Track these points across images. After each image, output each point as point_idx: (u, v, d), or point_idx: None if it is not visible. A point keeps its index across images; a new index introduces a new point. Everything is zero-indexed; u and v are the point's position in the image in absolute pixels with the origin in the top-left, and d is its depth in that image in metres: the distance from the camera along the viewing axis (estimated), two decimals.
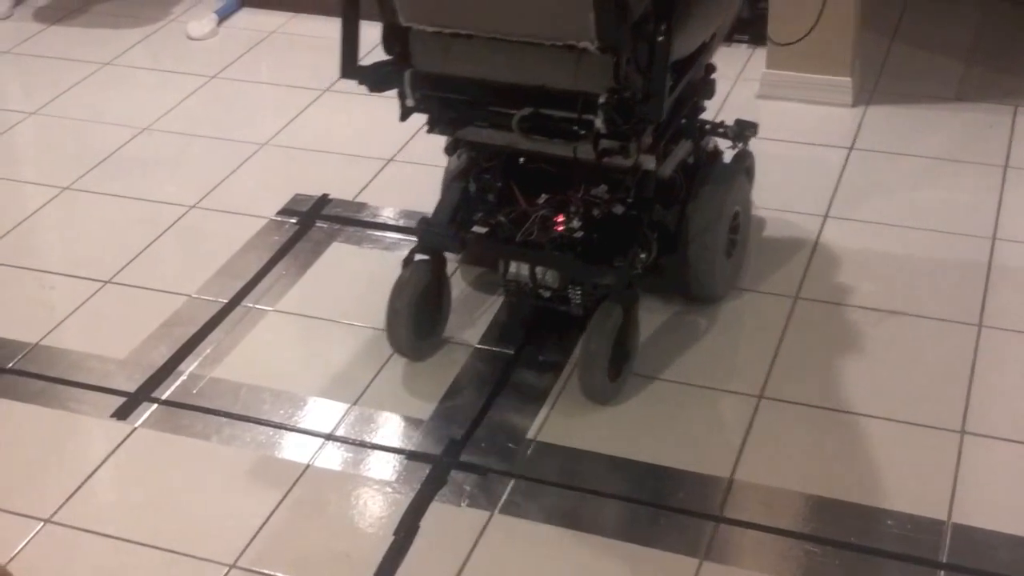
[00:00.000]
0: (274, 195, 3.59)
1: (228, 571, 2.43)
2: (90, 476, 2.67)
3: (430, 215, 2.93)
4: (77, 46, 4.56)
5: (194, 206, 3.57)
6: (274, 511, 2.56)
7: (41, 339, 3.07)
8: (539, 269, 2.81)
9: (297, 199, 3.57)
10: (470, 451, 2.69)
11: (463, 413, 2.79)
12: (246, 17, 4.73)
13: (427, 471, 2.64)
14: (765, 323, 3.01)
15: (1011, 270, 3.16)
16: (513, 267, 2.84)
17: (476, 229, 2.85)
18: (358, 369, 2.92)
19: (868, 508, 2.51)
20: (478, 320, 3.04)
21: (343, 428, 2.76)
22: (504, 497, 2.57)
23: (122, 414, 2.83)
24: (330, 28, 4.50)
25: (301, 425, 2.78)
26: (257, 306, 3.15)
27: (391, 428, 2.76)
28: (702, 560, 2.41)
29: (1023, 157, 3.60)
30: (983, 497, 2.53)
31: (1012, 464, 2.62)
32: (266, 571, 2.43)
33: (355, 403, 2.83)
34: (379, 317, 2.95)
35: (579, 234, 2.77)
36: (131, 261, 3.34)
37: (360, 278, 3.23)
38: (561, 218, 2.79)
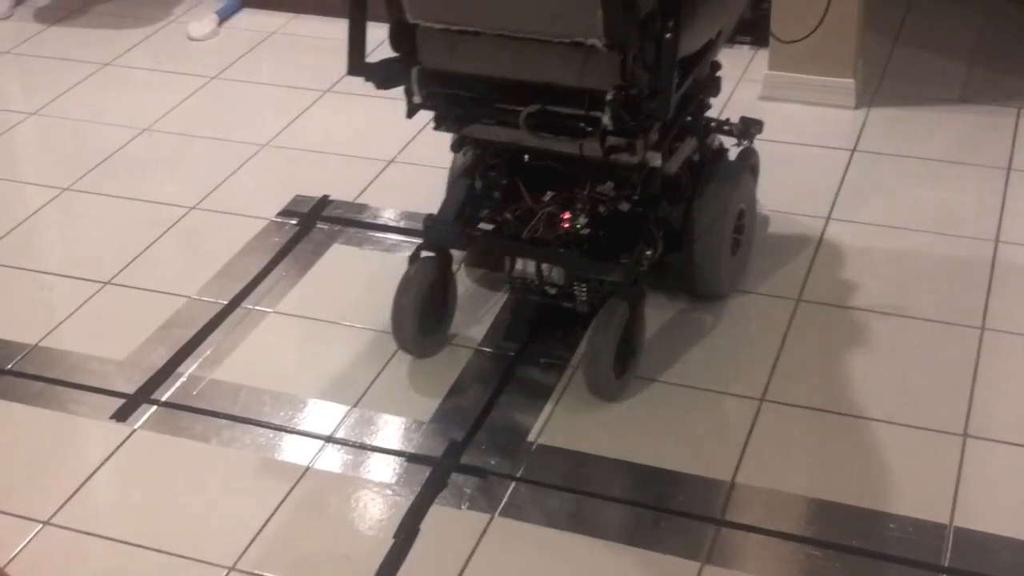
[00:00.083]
0: (274, 196, 3.58)
1: (227, 573, 2.42)
2: (89, 478, 2.66)
3: (436, 213, 2.92)
4: (77, 46, 4.55)
5: (194, 207, 3.56)
6: (274, 513, 2.55)
7: (40, 340, 3.07)
8: (545, 266, 2.81)
9: (298, 200, 3.56)
10: (471, 453, 2.68)
11: (464, 415, 2.78)
12: (247, 18, 4.72)
13: (427, 473, 2.63)
14: (767, 325, 3.00)
15: (1014, 272, 3.15)
16: (519, 264, 2.84)
17: (482, 226, 2.85)
18: (358, 371, 2.91)
19: (870, 511, 2.50)
20: (480, 320, 3.03)
21: (343, 430, 2.76)
22: (505, 500, 2.56)
23: (121, 416, 2.82)
24: (331, 28, 4.54)
25: (301, 427, 2.77)
26: (257, 308, 3.14)
27: (391, 430, 2.75)
28: (704, 563, 2.40)
29: None
30: (985, 500, 2.52)
31: (1015, 467, 2.61)
32: (266, 573, 2.42)
33: (355, 405, 2.82)
34: (380, 318, 2.95)
35: (585, 231, 2.77)
36: (131, 262, 3.33)
37: (361, 280, 3.22)
38: (567, 215, 2.79)
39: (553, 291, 2.85)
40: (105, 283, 3.26)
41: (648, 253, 2.79)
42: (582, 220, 2.78)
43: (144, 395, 2.88)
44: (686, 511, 2.52)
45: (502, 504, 2.55)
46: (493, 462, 2.65)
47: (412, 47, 2.73)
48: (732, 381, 2.85)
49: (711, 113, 3.04)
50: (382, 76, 2.77)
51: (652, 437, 2.70)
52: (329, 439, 2.74)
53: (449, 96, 2.75)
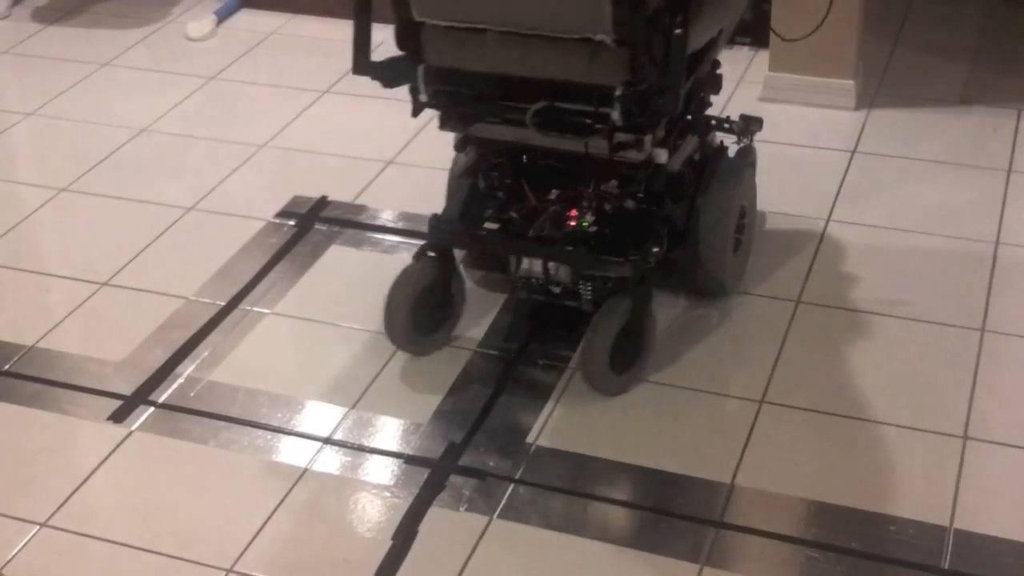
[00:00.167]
0: (273, 197, 3.58)
1: (225, 575, 2.42)
2: (86, 480, 2.65)
3: (440, 213, 2.92)
4: (75, 46, 4.54)
5: (192, 208, 3.55)
6: (272, 515, 2.54)
7: (37, 341, 3.06)
8: (551, 264, 2.80)
9: (296, 201, 3.56)
10: (469, 455, 2.67)
11: (462, 416, 2.77)
12: (245, 18, 4.71)
13: (426, 475, 2.62)
14: (767, 326, 3.00)
15: (1014, 274, 3.14)
16: (525, 263, 2.84)
17: (488, 226, 2.84)
18: (356, 372, 2.91)
19: (870, 513, 2.49)
20: (479, 321, 3.03)
21: (341, 432, 2.75)
22: (503, 502, 2.55)
23: (119, 417, 2.81)
24: (330, 29, 4.54)
25: (299, 429, 2.76)
26: (255, 309, 3.14)
27: (389, 432, 2.75)
28: (703, 566, 2.40)
29: None
30: (985, 503, 2.51)
31: (1015, 469, 2.60)
32: None
33: (353, 406, 2.81)
34: (378, 320, 2.94)
35: (592, 229, 2.77)
36: (128, 263, 3.32)
37: (359, 281, 3.22)
38: (574, 213, 2.78)
39: (558, 290, 2.85)
40: (102, 284, 3.25)
41: (655, 250, 2.79)
42: (589, 218, 2.77)
43: (141, 396, 2.87)
44: (685, 513, 2.52)
45: (501, 506, 2.54)
46: (492, 464, 2.65)
47: (418, 45, 2.72)
48: (732, 383, 2.84)
49: (710, 111, 3.04)
50: (388, 75, 2.76)
51: (651, 439, 2.70)
52: (327, 441, 2.73)
53: (455, 94, 2.75)
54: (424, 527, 2.51)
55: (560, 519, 2.52)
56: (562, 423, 2.75)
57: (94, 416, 2.82)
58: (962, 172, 3.57)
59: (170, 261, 3.35)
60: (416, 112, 2.79)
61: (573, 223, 2.78)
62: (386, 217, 3.47)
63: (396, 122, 3.78)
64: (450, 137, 2.90)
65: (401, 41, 2.73)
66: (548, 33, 2.58)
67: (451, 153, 3.06)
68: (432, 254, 2.89)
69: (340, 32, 4.44)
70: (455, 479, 2.61)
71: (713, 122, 3.05)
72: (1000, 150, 3.65)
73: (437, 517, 2.53)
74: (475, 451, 2.68)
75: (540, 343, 2.97)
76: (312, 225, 3.45)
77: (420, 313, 2.89)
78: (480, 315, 3.04)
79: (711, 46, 2.82)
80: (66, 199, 3.64)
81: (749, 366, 2.89)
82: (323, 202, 3.55)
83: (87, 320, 3.14)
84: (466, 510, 2.54)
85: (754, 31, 4.05)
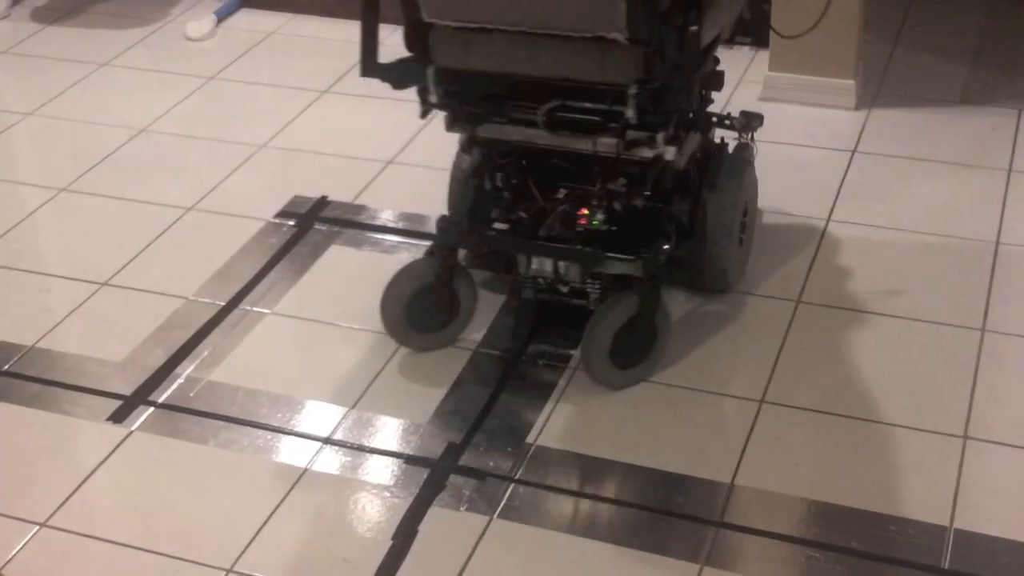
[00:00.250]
0: (272, 197, 3.57)
1: (225, 575, 2.42)
2: (86, 480, 2.65)
3: (447, 214, 2.91)
4: (75, 46, 4.54)
5: (192, 208, 3.55)
6: (271, 515, 2.54)
7: (37, 341, 3.06)
8: (561, 264, 2.81)
9: (296, 201, 3.56)
10: (469, 455, 2.67)
11: (463, 416, 2.77)
12: (245, 18, 4.71)
13: (426, 475, 2.62)
14: (767, 327, 3.00)
15: (1015, 274, 3.14)
16: (535, 263, 2.83)
17: (497, 226, 2.84)
18: (356, 372, 2.90)
19: (870, 513, 2.49)
20: (479, 322, 3.02)
21: (341, 432, 2.75)
22: (503, 502, 2.55)
23: (118, 417, 2.81)
24: (330, 29, 4.54)
25: (299, 429, 2.76)
26: (255, 309, 3.14)
27: (389, 432, 2.74)
28: (703, 565, 2.40)
29: None
30: (986, 503, 2.51)
31: (1015, 469, 2.60)
32: None
33: (353, 406, 2.81)
34: (377, 320, 2.94)
35: (603, 227, 2.77)
36: (128, 263, 3.32)
37: (359, 281, 3.21)
38: (584, 212, 2.79)
39: (565, 289, 2.86)
40: (102, 284, 3.25)
41: (665, 247, 2.80)
42: (600, 217, 2.77)
43: (141, 397, 2.87)
44: (685, 513, 2.52)
45: (501, 506, 2.54)
46: (492, 464, 2.65)
47: (426, 46, 2.71)
48: (732, 382, 2.84)
49: (710, 108, 3.04)
50: (397, 77, 2.75)
51: (651, 438, 2.70)
52: (327, 441, 2.73)
53: (464, 95, 2.74)
54: (424, 527, 2.50)
55: (560, 519, 2.52)
56: (562, 423, 2.75)
57: (94, 416, 2.82)
58: (962, 172, 3.57)
59: (170, 261, 3.35)
60: (425, 113, 2.78)
61: (584, 222, 2.78)
62: (386, 217, 3.47)
63: (396, 122, 3.79)
64: (449, 137, 2.90)
65: (410, 42, 2.72)
66: (559, 32, 2.58)
67: (451, 153, 3.06)
68: (434, 254, 2.89)
69: (340, 32, 4.48)
70: (455, 479, 2.61)
71: (714, 119, 3.05)
72: (1000, 150, 3.65)
73: (437, 517, 2.53)
74: (475, 451, 2.68)
75: (540, 343, 2.97)
76: (312, 225, 3.45)
77: (416, 310, 2.89)
78: (480, 315, 3.04)
79: (715, 43, 2.83)
80: (66, 199, 3.64)
81: (749, 366, 2.89)
82: (323, 202, 3.54)
83: (87, 320, 3.14)
84: (466, 510, 2.54)
85: (754, 31, 4.05)
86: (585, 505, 2.55)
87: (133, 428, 2.78)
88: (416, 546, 2.46)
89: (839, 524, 2.47)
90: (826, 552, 2.41)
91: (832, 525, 2.47)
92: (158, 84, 4.28)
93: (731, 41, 4.00)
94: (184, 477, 2.66)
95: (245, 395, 2.86)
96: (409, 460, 2.67)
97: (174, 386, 2.90)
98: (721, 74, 2.97)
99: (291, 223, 3.46)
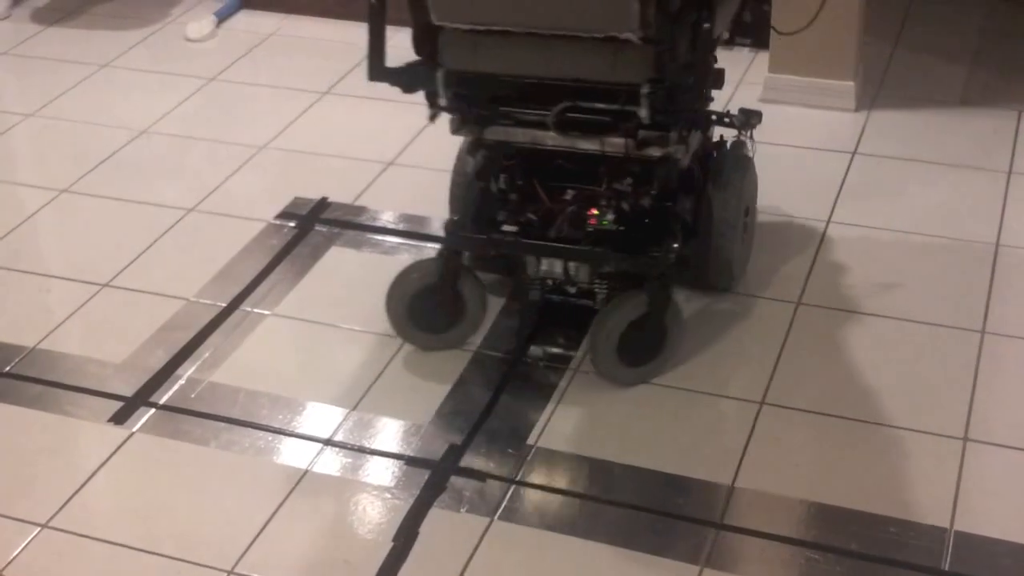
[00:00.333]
0: (273, 198, 3.57)
1: None
2: (87, 481, 2.65)
3: (455, 217, 2.91)
4: (75, 47, 4.54)
5: (192, 209, 3.55)
6: (272, 516, 2.54)
7: (38, 343, 3.06)
8: (571, 264, 2.81)
9: (296, 202, 3.56)
10: (470, 456, 2.67)
11: (463, 418, 2.77)
12: (245, 19, 4.71)
13: (426, 477, 2.62)
14: (767, 328, 3.00)
15: (1015, 276, 3.14)
16: (545, 264, 2.84)
17: (506, 228, 2.84)
18: (357, 373, 2.91)
19: (870, 515, 2.49)
20: (480, 324, 3.02)
21: (342, 433, 2.75)
22: (504, 503, 2.55)
23: (119, 419, 2.81)
24: (330, 30, 4.54)
25: (299, 430, 2.76)
26: (255, 310, 3.14)
27: (390, 433, 2.75)
28: (703, 567, 2.40)
29: None
30: (986, 505, 2.51)
31: (1015, 471, 2.60)
32: None
33: (354, 408, 2.81)
34: (379, 321, 2.94)
35: (612, 227, 2.77)
36: (129, 264, 3.32)
37: (359, 282, 3.22)
38: (593, 212, 2.79)
39: (573, 290, 2.86)
40: (103, 285, 3.25)
41: (675, 245, 2.80)
42: (610, 217, 2.78)
43: (142, 398, 2.87)
44: (685, 514, 2.52)
45: (501, 507, 2.54)
46: (492, 465, 2.65)
47: (434, 49, 2.70)
48: (732, 384, 2.84)
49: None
50: (407, 81, 2.74)
51: (652, 440, 2.70)
52: (328, 442, 2.73)
53: (473, 98, 2.74)
54: (425, 528, 2.51)
55: (561, 520, 2.52)
56: (563, 424, 2.75)
57: (95, 417, 2.82)
58: (962, 173, 3.57)
59: (171, 262, 3.35)
60: (434, 117, 2.78)
61: (594, 222, 2.78)
62: (386, 218, 3.47)
63: (396, 123, 3.79)
64: (450, 138, 2.89)
65: (418, 45, 2.71)
66: (571, 33, 2.58)
67: (451, 154, 3.06)
68: (432, 256, 2.89)
69: (340, 33, 4.48)
70: (456, 480, 2.61)
71: (714, 116, 3.05)
72: (1000, 151, 3.65)
73: (438, 518, 2.53)
74: (476, 452, 2.68)
75: (541, 345, 2.97)
76: (312, 226, 3.45)
77: (419, 308, 2.89)
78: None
79: (718, 41, 2.84)
80: (66, 200, 3.64)
81: (749, 367, 2.89)
82: (323, 203, 3.54)
83: (88, 321, 3.14)
84: (467, 511, 2.54)
85: (754, 32, 4.05)
86: (586, 506, 2.55)
87: (134, 429, 2.78)
88: (417, 547, 2.46)
89: (839, 526, 2.47)
90: (826, 554, 2.41)
91: (832, 527, 2.47)
92: (158, 85, 4.28)
93: (731, 42, 4.02)
94: (185, 478, 2.66)
95: (246, 396, 2.86)
96: (410, 461, 2.67)
97: (175, 387, 2.90)
98: (721, 72, 2.97)
99: (292, 224, 3.46)
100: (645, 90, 2.55)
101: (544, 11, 2.57)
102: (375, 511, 2.56)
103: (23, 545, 2.50)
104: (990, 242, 3.26)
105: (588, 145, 2.69)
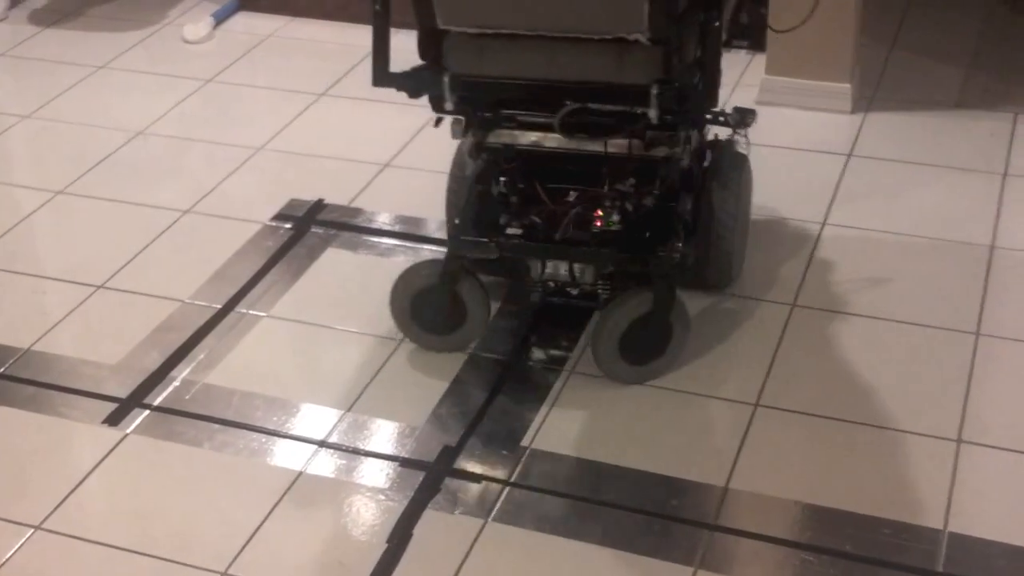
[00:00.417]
0: (269, 200, 3.57)
1: None
2: (81, 482, 2.65)
3: (457, 222, 2.90)
4: (72, 49, 4.54)
5: (188, 211, 3.55)
6: (266, 518, 2.54)
7: (33, 344, 3.06)
8: (576, 266, 2.81)
9: (292, 204, 3.56)
10: (464, 458, 2.67)
11: (457, 420, 2.77)
12: (242, 21, 4.71)
13: (420, 478, 2.62)
14: (762, 330, 3.00)
15: (1009, 278, 3.14)
16: (549, 266, 2.83)
17: (510, 231, 2.83)
18: (352, 375, 2.91)
19: (864, 517, 2.49)
20: (484, 328, 3.02)
21: (336, 435, 2.75)
22: (498, 505, 2.55)
23: (114, 420, 2.81)
24: (327, 32, 4.54)
25: (294, 432, 2.76)
26: (251, 312, 3.14)
27: (384, 435, 2.75)
28: (697, 569, 2.40)
29: (1023, 165, 3.59)
30: (980, 506, 2.51)
31: (1009, 473, 2.60)
32: None
33: (348, 410, 2.81)
34: (374, 323, 2.95)
35: (619, 229, 2.77)
36: (124, 266, 3.32)
37: (355, 284, 3.22)
38: (598, 214, 2.79)
39: (576, 291, 2.86)
40: (98, 287, 3.25)
41: (680, 244, 2.80)
42: (615, 218, 2.78)
43: (137, 399, 2.87)
44: (679, 516, 2.52)
45: (495, 509, 2.54)
46: (487, 467, 2.65)
47: (439, 53, 2.69)
48: (726, 386, 2.84)
49: None
50: (412, 85, 2.73)
51: (646, 442, 2.70)
52: (322, 444, 2.73)
53: (478, 101, 2.73)
54: (419, 530, 2.50)
55: (555, 522, 2.52)
56: (557, 426, 2.75)
57: (89, 419, 2.82)
58: (958, 176, 3.57)
59: (166, 264, 3.35)
60: (440, 121, 2.77)
61: (600, 223, 2.78)
62: (382, 220, 3.47)
63: (393, 125, 3.79)
64: (447, 140, 2.89)
65: (423, 50, 2.70)
66: (578, 35, 2.57)
67: (448, 156, 3.06)
68: (432, 259, 2.89)
69: (337, 35, 4.48)
70: (450, 482, 2.61)
71: (709, 115, 3.05)
72: (996, 154, 3.65)
73: (432, 520, 2.53)
74: (470, 454, 2.68)
75: (536, 347, 2.97)
76: (308, 228, 3.45)
77: (421, 309, 2.89)
78: None
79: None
80: (63, 202, 3.64)
81: (744, 369, 2.89)
82: (320, 205, 3.55)
83: (83, 323, 3.14)
84: (461, 513, 2.54)
85: (751, 34, 4.05)
86: (580, 508, 2.55)
87: (128, 431, 2.78)
88: (411, 549, 2.46)
89: (834, 527, 2.47)
90: (820, 555, 2.41)
91: (827, 528, 2.47)
92: (156, 87, 4.28)
93: (728, 44, 4.02)
94: (179, 480, 2.66)
95: (241, 398, 2.86)
96: (404, 463, 2.67)
97: (170, 389, 2.90)
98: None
99: (288, 226, 3.46)
100: (655, 91, 2.55)
101: (551, 13, 2.56)
102: (369, 513, 2.56)
103: (17, 547, 2.50)
104: (985, 244, 3.26)
105: (595, 147, 2.69)
